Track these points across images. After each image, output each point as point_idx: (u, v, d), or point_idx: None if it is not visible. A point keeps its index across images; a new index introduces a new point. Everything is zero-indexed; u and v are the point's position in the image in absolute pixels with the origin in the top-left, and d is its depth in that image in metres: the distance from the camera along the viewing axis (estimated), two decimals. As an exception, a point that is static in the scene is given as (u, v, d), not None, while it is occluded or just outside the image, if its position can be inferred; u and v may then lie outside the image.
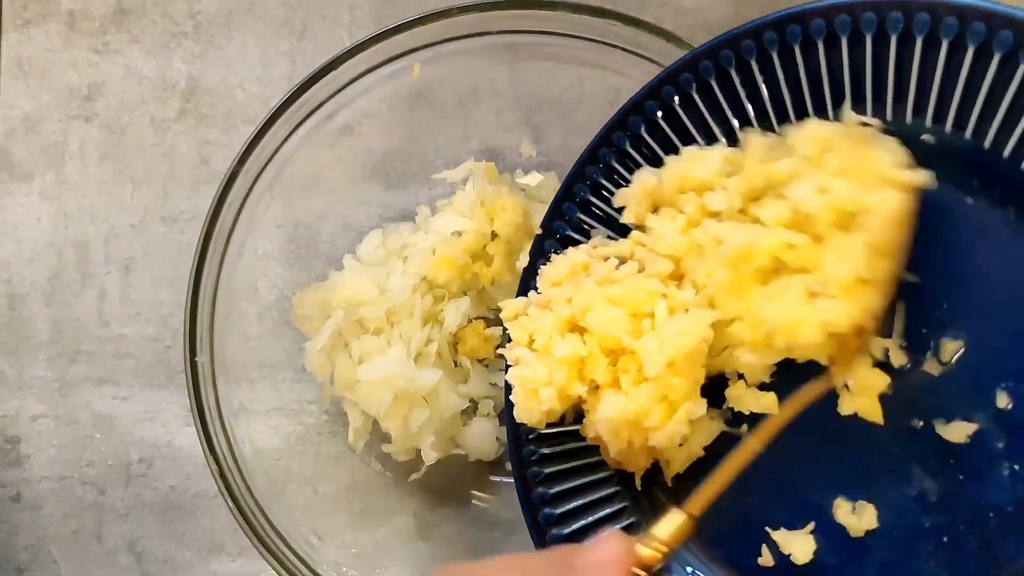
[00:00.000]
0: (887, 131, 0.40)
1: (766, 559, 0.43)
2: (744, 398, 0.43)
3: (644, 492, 0.46)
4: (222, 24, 0.61)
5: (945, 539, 0.40)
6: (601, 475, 0.46)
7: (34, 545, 0.59)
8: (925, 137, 0.39)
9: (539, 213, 0.56)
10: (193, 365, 0.51)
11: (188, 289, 0.51)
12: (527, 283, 0.48)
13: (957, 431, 0.39)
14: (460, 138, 0.58)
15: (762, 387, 0.43)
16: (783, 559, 0.42)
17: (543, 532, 0.46)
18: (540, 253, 0.48)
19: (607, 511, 0.46)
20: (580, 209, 0.47)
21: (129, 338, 0.60)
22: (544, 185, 0.57)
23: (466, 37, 0.52)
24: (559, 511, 0.46)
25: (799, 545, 0.42)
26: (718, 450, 0.43)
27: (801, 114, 0.42)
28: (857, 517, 0.41)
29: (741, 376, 0.43)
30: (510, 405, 0.44)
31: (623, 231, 0.45)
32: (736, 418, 0.44)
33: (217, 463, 0.51)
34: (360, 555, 0.55)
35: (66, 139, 0.61)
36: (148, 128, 0.60)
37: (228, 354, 0.53)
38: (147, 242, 0.60)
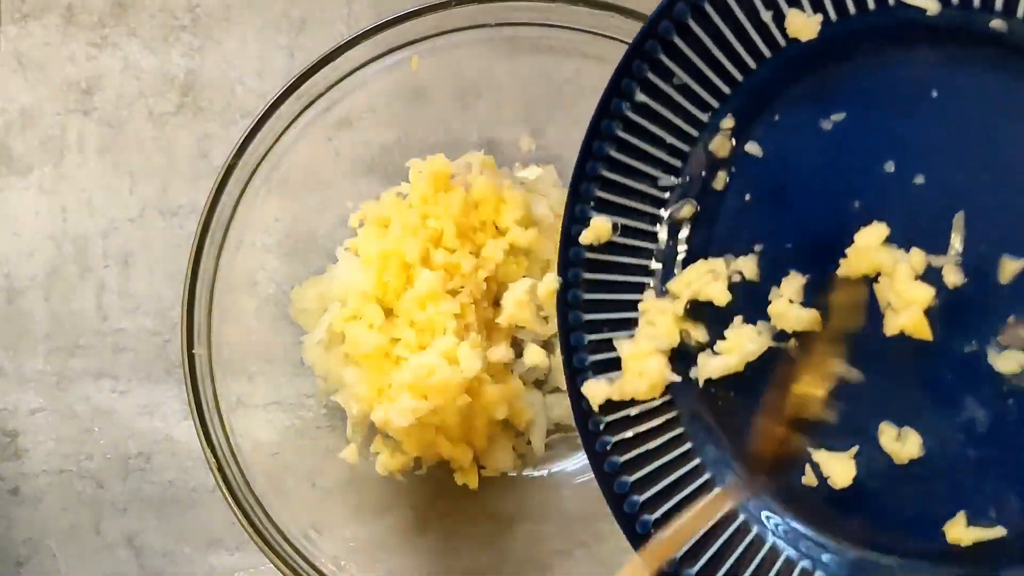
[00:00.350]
0: (950, 16, 0.37)
1: (809, 479, 0.41)
2: (786, 315, 0.42)
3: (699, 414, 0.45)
4: (221, 18, 0.61)
5: (993, 473, 0.37)
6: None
7: (33, 539, 0.59)
8: (995, 24, 0.36)
9: (539, 206, 0.56)
10: (190, 358, 0.51)
11: (185, 281, 0.51)
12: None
13: (1010, 361, 0.37)
14: (459, 132, 0.57)
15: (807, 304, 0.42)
16: (826, 481, 0.41)
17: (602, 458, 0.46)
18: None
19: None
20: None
21: (128, 332, 0.60)
22: (543, 179, 0.57)
23: (465, 29, 0.52)
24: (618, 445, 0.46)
25: (839, 468, 0.40)
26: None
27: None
28: (901, 444, 0.39)
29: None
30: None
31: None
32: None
33: (215, 457, 0.51)
34: (359, 549, 0.54)
35: (64, 133, 0.61)
36: (147, 122, 0.60)
37: (226, 348, 0.53)
38: (146, 236, 0.60)
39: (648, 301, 0.46)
